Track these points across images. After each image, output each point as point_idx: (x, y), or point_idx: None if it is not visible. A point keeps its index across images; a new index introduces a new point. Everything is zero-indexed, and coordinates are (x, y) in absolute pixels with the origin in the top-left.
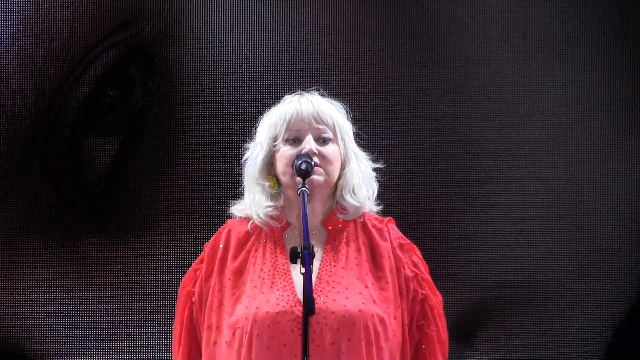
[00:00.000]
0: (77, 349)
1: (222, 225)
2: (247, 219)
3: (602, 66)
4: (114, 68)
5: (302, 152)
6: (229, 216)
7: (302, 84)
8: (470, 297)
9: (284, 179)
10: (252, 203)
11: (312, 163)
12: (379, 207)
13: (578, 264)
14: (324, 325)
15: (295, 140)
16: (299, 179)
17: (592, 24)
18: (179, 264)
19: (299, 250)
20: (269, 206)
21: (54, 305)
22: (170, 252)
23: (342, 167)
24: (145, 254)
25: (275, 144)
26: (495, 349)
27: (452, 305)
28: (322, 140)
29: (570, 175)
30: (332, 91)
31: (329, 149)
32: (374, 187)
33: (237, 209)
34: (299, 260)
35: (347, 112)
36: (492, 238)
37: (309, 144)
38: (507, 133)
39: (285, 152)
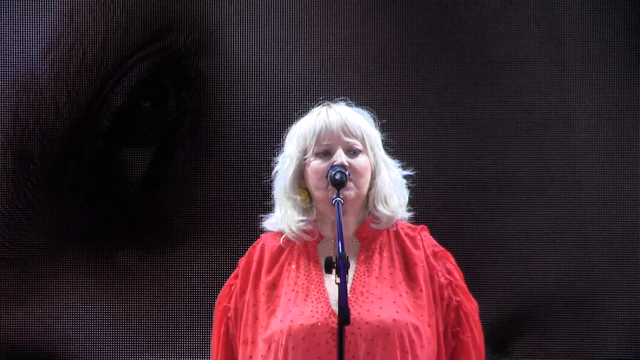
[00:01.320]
0: None
1: (256, 237)
2: (280, 233)
3: (636, 72)
4: (147, 79)
5: (334, 164)
6: (262, 230)
7: (334, 94)
8: (506, 304)
9: (317, 193)
10: (284, 217)
11: (347, 173)
12: (411, 214)
13: (615, 268)
14: (358, 335)
15: (325, 153)
16: (333, 190)
17: (626, 28)
18: (214, 276)
19: (333, 260)
20: (302, 220)
21: (87, 319)
22: (204, 265)
23: (373, 177)
24: (179, 267)
25: (305, 157)
26: (531, 356)
27: (487, 313)
28: (352, 152)
29: (605, 179)
30: (362, 99)
31: (360, 161)
32: (405, 195)
33: (269, 223)
34: (333, 271)
35: (374, 120)
36: (527, 244)
37: (340, 157)
38: (541, 138)
39: (317, 165)
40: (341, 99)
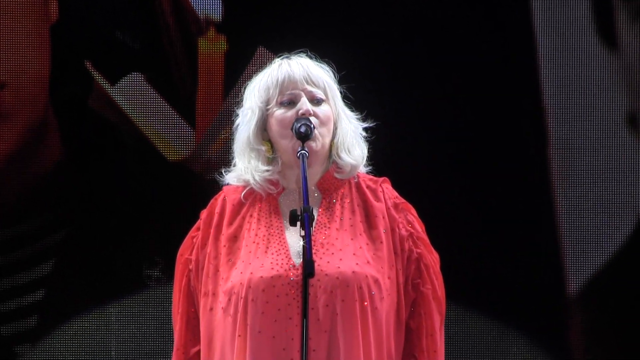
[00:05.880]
0: None
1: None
2: (242, 186)
3: None
4: None
5: (299, 112)
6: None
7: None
8: (468, 256)
9: (282, 142)
10: (247, 168)
11: (312, 126)
12: (369, 168)
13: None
14: (317, 287)
15: (290, 102)
16: (298, 142)
17: None
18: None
19: (298, 213)
20: (267, 170)
21: None
22: None
23: (335, 127)
24: None
25: (268, 107)
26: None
27: (449, 265)
28: (315, 101)
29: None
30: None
31: (323, 109)
32: (365, 147)
33: (232, 176)
34: (298, 224)
35: (333, 73)
36: (488, 195)
37: (305, 104)
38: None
39: (282, 114)
40: (301, 51)
